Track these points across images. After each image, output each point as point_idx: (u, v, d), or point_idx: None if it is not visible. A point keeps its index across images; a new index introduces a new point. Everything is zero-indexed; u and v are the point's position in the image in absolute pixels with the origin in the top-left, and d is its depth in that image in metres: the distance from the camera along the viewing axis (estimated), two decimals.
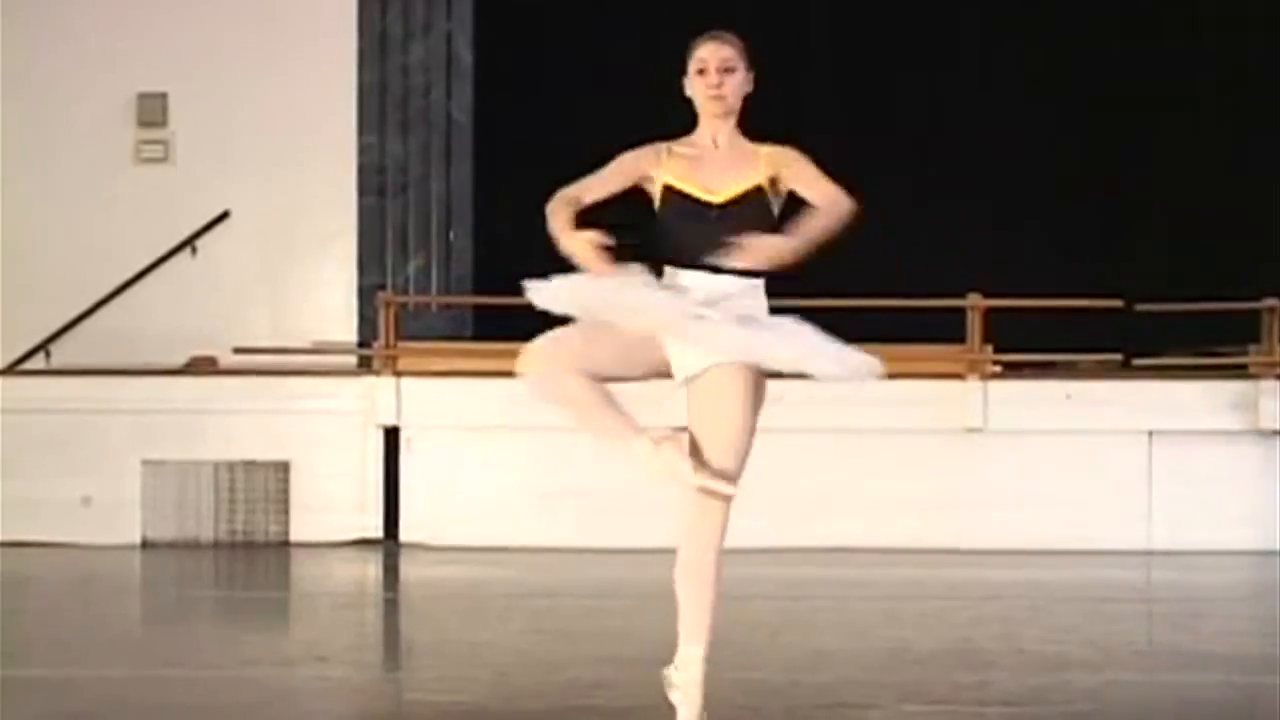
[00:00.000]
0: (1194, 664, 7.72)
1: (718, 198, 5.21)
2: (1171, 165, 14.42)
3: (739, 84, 5.31)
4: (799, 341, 5.09)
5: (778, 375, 5.16)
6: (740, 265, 5.05)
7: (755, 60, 5.36)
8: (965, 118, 14.36)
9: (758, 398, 5.18)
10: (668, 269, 5.24)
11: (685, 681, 5.20)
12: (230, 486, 12.50)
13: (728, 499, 5.09)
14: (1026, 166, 14.38)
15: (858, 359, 5.09)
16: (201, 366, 13.11)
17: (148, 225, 13.73)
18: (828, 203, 5.22)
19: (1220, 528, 12.11)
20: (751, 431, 5.15)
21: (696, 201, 5.22)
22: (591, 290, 5.07)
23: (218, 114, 13.88)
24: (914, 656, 7.71)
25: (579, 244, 5.04)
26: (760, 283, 5.23)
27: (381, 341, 12.59)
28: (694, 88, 5.32)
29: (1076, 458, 12.19)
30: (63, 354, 13.40)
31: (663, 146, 5.31)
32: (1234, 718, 6.49)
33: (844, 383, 5.11)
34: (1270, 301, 12.40)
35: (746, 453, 5.16)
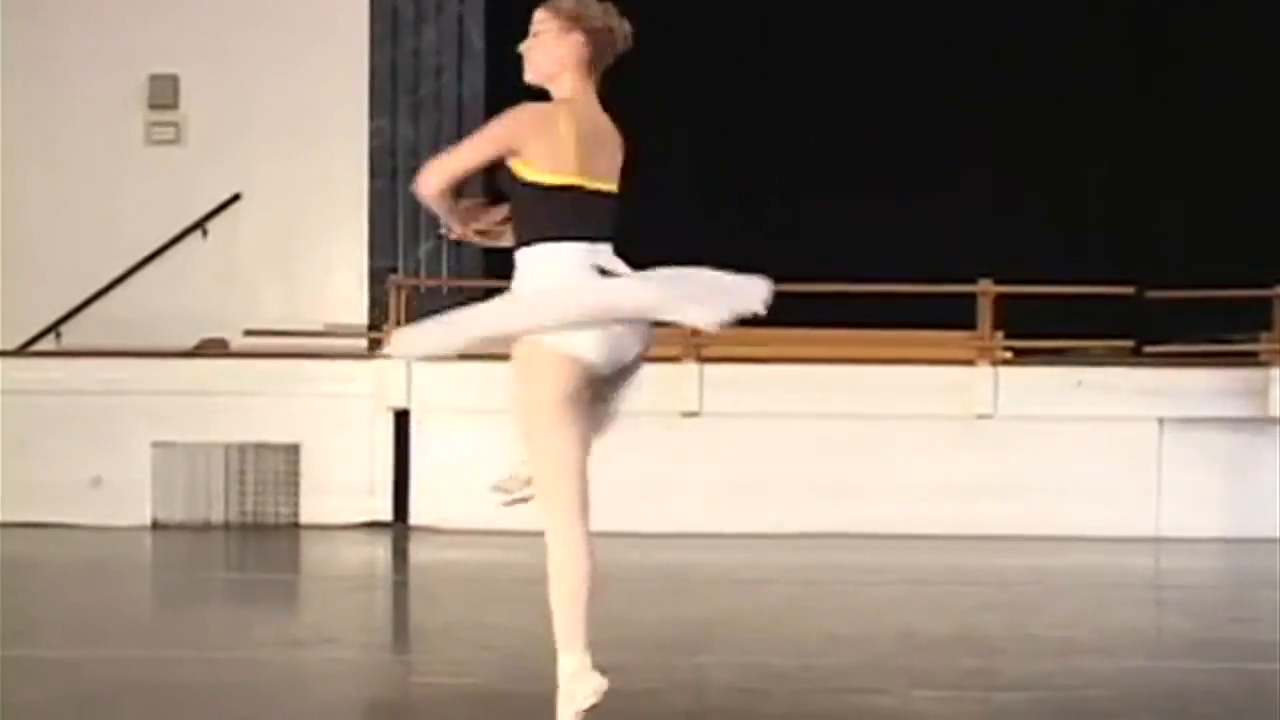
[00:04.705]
0: (1202, 651, 7.72)
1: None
2: (1183, 151, 14.39)
3: (541, 46, 5.21)
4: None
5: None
6: None
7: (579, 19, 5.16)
8: (976, 104, 14.33)
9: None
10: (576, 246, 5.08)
11: (582, 688, 5.08)
12: (240, 469, 12.50)
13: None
14: (1037, 152, 14.35)
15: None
16: (212, 349, 13.12)
17: (159, 207, 13.72)
18: None
19: (1230, 515, 12.09)
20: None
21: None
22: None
23: (229, 96, 13.86)
24: (922, 642, 7.72)
25: None
26: None
27: (392, 324, 12.59)
28: None
29: (1087, 444, 12.17)
30: (73, 335, 13.39)
31: None
32: (1241, 704, 6.49)
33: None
34: None
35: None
